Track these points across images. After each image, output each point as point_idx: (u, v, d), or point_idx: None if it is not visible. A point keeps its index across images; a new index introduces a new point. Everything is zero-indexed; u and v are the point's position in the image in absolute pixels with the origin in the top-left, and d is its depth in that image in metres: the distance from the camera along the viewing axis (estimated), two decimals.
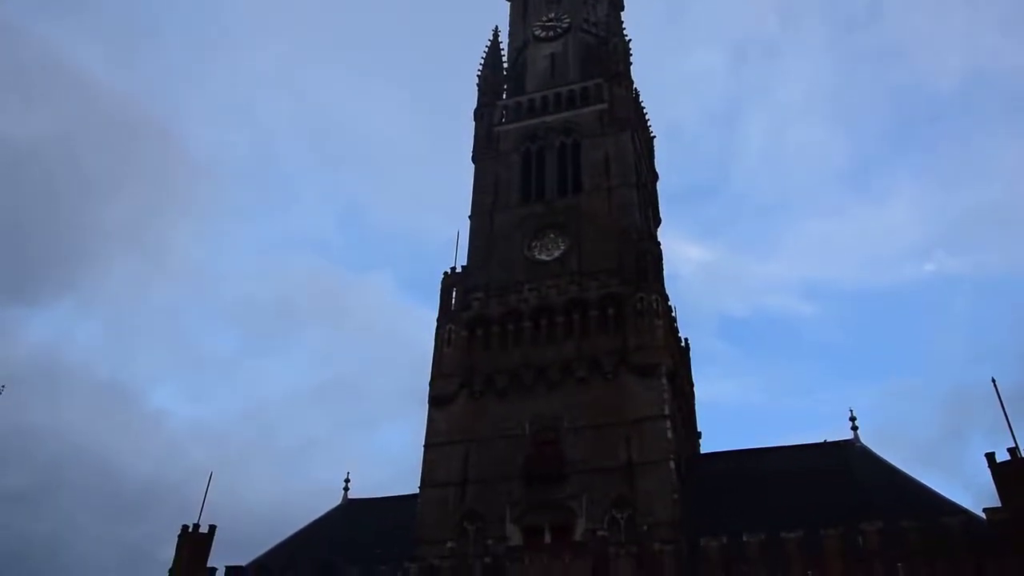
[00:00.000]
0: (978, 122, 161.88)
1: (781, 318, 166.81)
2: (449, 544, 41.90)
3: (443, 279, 51.19)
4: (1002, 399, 33.78)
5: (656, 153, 65.43)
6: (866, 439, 43.46)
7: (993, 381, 34.26)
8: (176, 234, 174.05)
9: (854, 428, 43.60)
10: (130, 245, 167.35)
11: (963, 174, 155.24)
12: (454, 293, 50.34)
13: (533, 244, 52.05)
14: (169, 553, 44.26)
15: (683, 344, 54.19)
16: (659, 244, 49.84)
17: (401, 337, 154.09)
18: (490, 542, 40.50)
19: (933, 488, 38.52)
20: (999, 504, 32.65)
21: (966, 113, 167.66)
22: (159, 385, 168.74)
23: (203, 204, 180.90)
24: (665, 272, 48.27)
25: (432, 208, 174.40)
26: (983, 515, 32.74)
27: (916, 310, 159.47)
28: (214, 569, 43.33)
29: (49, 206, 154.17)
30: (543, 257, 51.32)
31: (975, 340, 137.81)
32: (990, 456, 33.55)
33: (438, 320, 49.70)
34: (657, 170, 64.59)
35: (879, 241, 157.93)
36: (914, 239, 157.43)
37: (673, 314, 50.23)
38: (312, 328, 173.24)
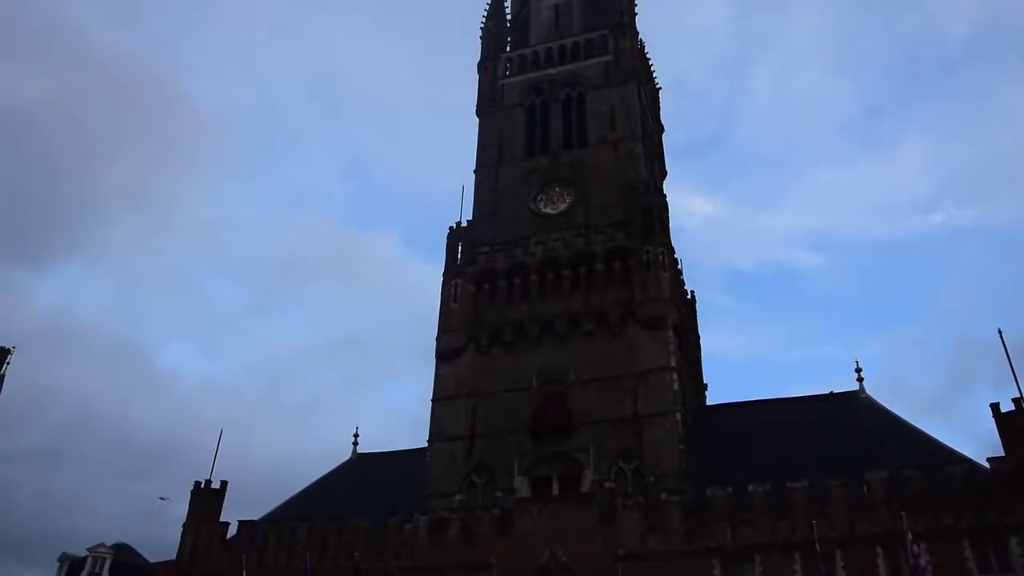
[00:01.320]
0: (990, 70, 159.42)
1: (788, 270, 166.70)
2: (458, 496, 42.50)
3: (449, 234, 51.20)
4: (1008, 350, 33.86)
5: (661, 105, 64.94)
6: (872, 390, 43.80)
7: (999, 332, 34.34)
8: (180, 191, 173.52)
9: (860, 379, 43.89)
10: (134, 203, 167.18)
11: (973, 123, 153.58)
12: (460, 248, 50.34)
13: (539, 198, 51.92)
14: (182, 509, 45.11)
15: (689, 297, 54.30)
16: (665, 197, 49.81)
17: (408, 293, 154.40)
18: (499, 494, 41.10)
19: (937, 438, 38.85)
20: (1003, 454, 32.99)
21: (977, 61, 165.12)
22: (169, 344, 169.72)
23: (206, 160, 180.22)
24: (671, 225, 48.32)
25: (437, 163, 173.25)
26: (987, 464, 33.08)
27: (923, 261, 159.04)
28: (227, 524, 44.06)
29: (52, 167, 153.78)
30: (549, 211, 51.22)
31: (982, 291, 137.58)
32: (995, 407, 33.83)
33: (444, 275, 49.81)
34: (663, 122, 64.16)
35: (887, 191, 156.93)
36: (922, 189, 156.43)
37: (679, 267, 50.30)
38: (319, 284, 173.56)
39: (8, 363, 29.77)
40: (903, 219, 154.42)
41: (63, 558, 63.43)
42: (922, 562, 29.99)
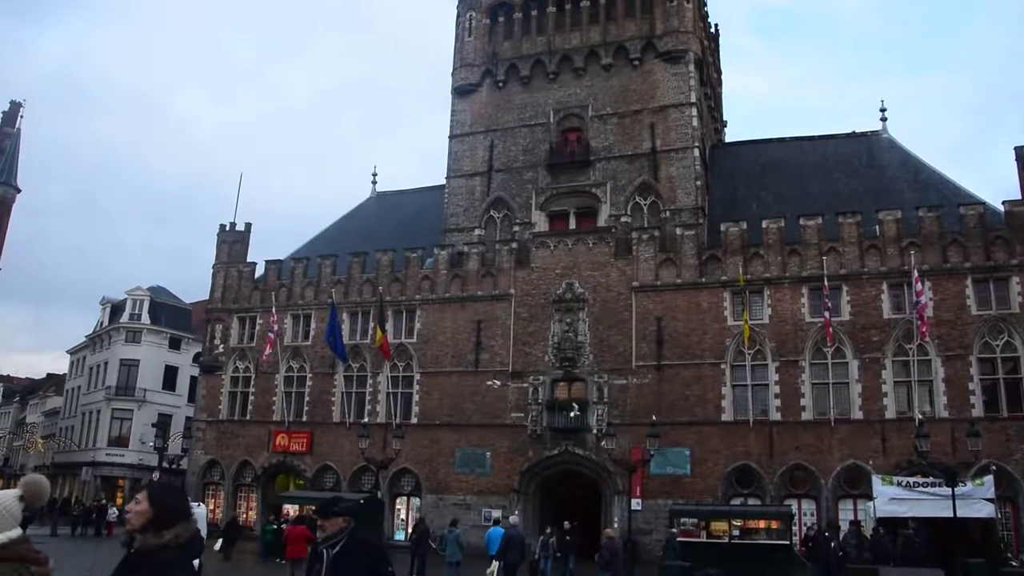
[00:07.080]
0: None
1: (819, 5, 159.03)
2: (477, 231, 43.38)
3: None
4: None
5: None
6: (895, 132, 43.03)
7: None
8: None
9: (883, 119, 42.82)
10: None
11: None
12: None
13: None
14: (211, 251, 46.57)
15: (712, 31, 52.29)
16: None
17: (422, 32, 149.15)
18: (516, 228, 41.94)
19: (956, 181, 38.77)
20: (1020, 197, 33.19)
21: None
22: (182, 92, 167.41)
23: None
24: None
25: None
26: (1001, 208, 33.34)
27: (964, 2, 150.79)
28: (254, 263, 45.62)
29: None
30: None
31: (1020, 38, 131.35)
32: (1019, 149, 33.61)
33: (458, 7, 47.75)
34: None
35: None
36: None
37: None
38: (331, 30, 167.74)
39: (22, 116, 29.74)
40: None
41: (104, 301, 66.67)
42: (923, 298, 31.17)
